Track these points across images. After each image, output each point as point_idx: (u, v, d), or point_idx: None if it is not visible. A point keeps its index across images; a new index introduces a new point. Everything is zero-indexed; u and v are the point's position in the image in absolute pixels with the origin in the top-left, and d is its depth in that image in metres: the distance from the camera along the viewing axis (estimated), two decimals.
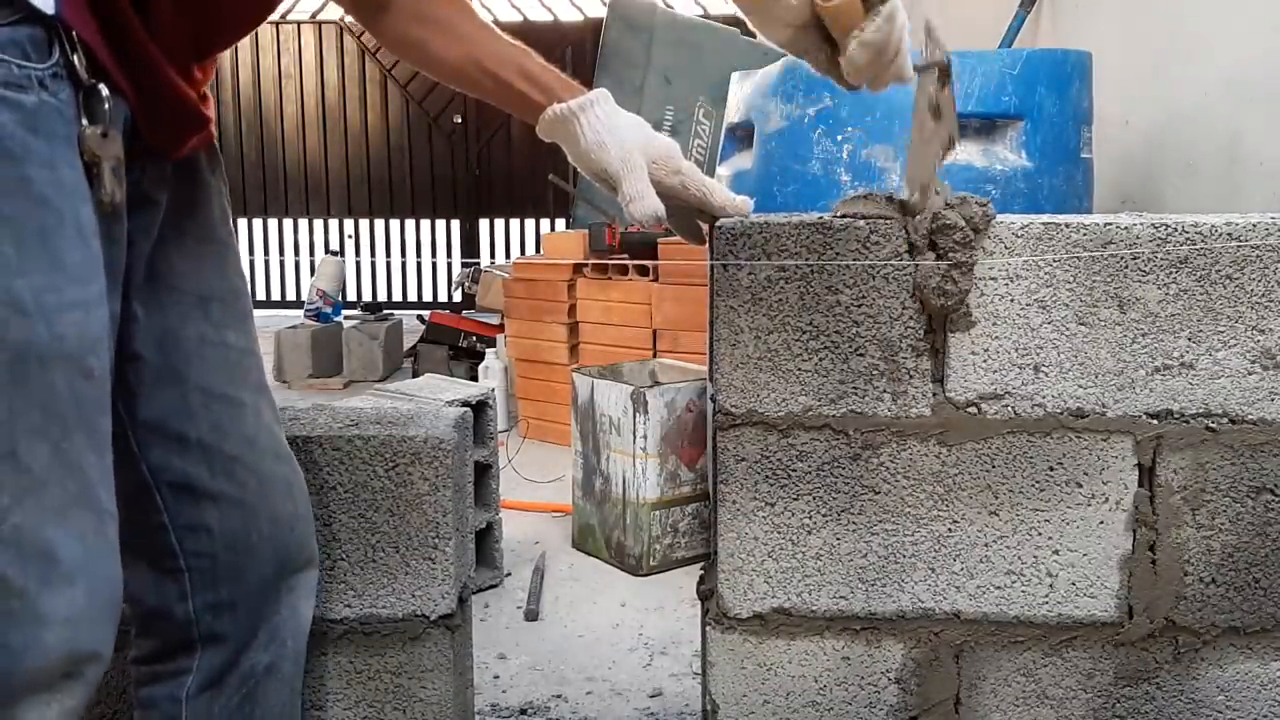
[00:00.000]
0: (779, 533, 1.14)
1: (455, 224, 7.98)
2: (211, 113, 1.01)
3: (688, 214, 1.12)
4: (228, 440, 1.02)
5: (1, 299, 0.76)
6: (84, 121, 0.81)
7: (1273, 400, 1.09)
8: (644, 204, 1.02)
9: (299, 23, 7.83)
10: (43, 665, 0.78)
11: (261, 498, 1.04)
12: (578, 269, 3.86)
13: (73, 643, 0.79)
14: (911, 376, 1.11)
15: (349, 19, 8.02)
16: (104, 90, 0.82)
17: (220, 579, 1.02)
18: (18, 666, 0.77)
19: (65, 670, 0.79)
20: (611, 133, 1.03)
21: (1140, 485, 1.11)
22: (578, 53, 6.98)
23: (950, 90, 1.09)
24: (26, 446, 0.77)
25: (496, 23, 8.08)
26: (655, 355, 3.48)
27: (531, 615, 2.29)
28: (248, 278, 1.10)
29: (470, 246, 8.00)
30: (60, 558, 0.78)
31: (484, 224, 8.19)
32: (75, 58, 0.81)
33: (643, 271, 3.66)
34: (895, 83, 1.06)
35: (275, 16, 8.06)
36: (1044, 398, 1.10)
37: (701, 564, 1.35)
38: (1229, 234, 1.07)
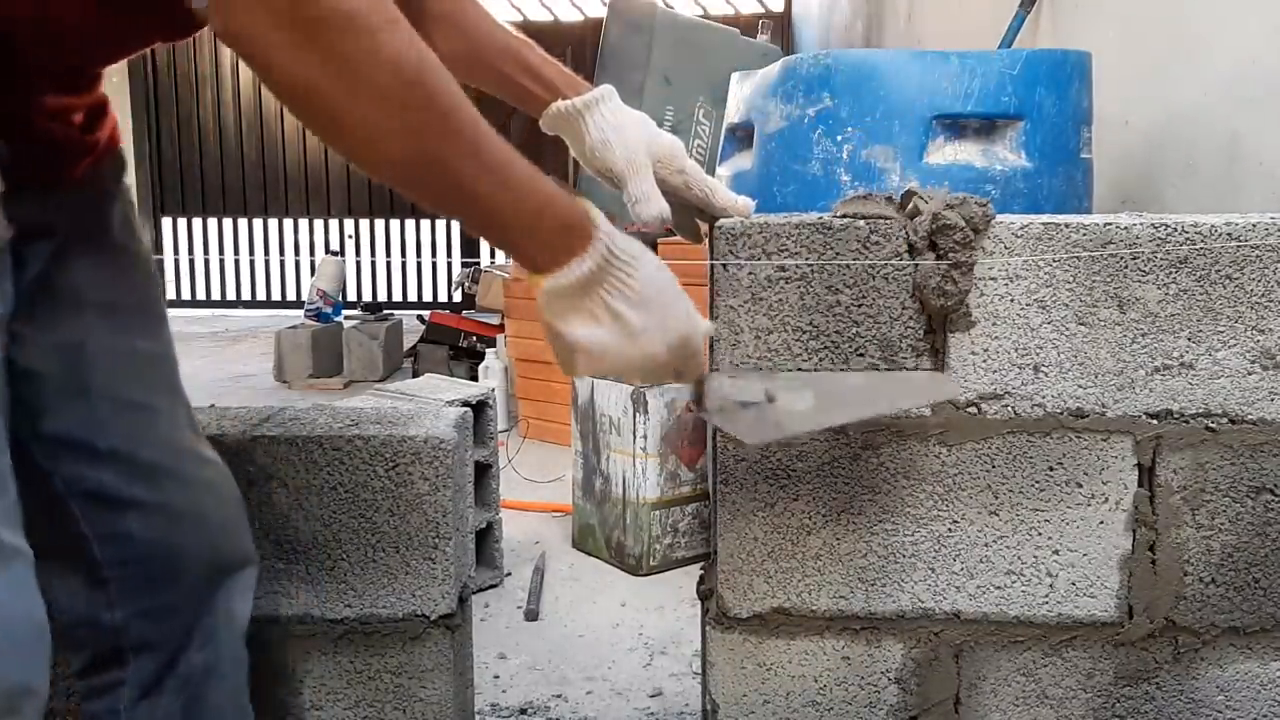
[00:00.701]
0: (779, 533, 1.14)
1: (455, 224, 7.97)
2: (108, 125, 0.99)
3: (688, 213, 1.12)
4: (143, 447, 1.00)
5: None
6: None
7: (1272, 400, 1.09)
8: (649, 205, 1.02)
9: None
10: None
11: (185, 501, 1.03)
12: None
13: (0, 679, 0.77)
14: None
15: None
16: None
17: (147, 586, 1.01)
18: None
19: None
20: (617, 131, 1.03)
21: (1140, 485, 1.11)
22: (577, 53, 6.98)
23: None
24: None
25: None
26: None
27: (531, 615, 2.29)
28: (160, 281, 1.08)
29: (470, 246, 7.99)
30: None
31: None
32: None
33: None
34: None
35: None
36: (1044, 398, 1.10)
37: (701, 564, 1.35)
38: (1229, 234, 1.07)
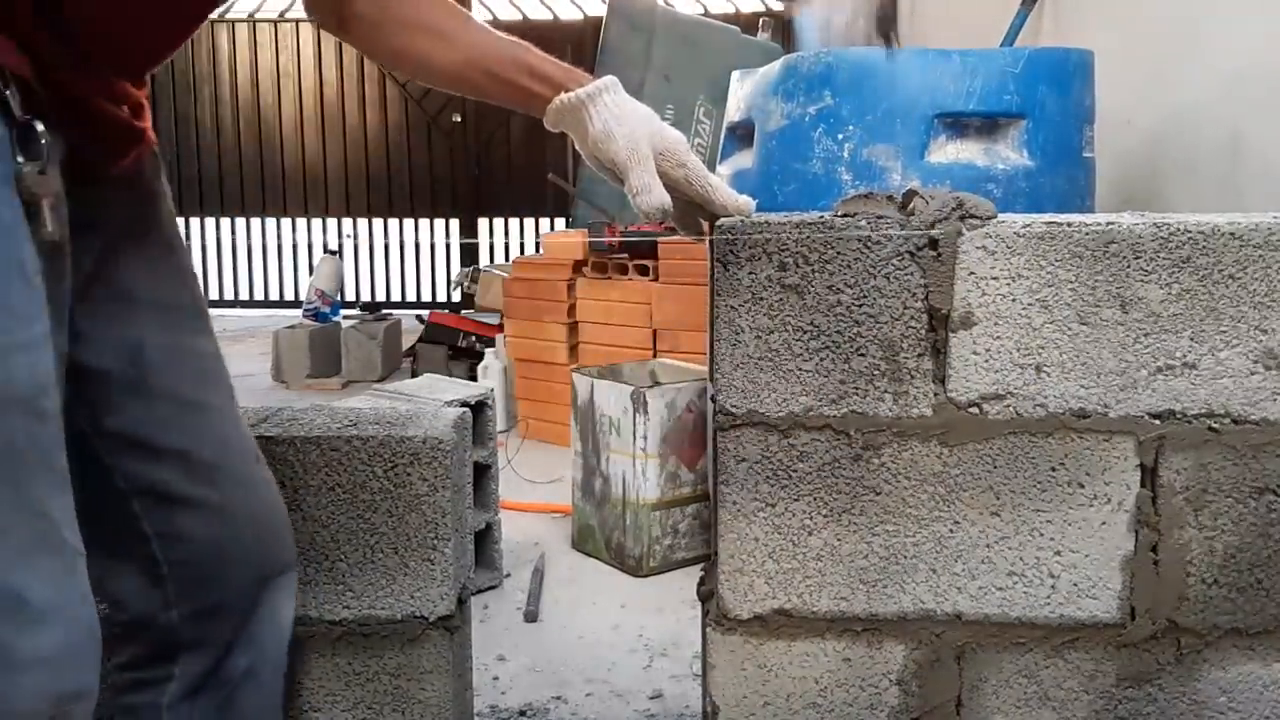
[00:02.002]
0: (779, 534, 1.13)
1: (455, 223, 7.97)
2: (148, 121, 1.00)
3: (690, 209, 1.11)
4: (201, 446, 1.01)
5: None
6: (19, 159, 0.79)
7: (1275, 400, 1.09)
8: (651, 197, 1.01)
9: (297, 21, 7.82)
10: (25, 710, 0.76)
11: (239, 502, 1.03)
12: (577, 269, 3.86)
13: (55, 684, 0.78)
14: (913, 376, 1.10)
15: None
16: (39, 127, 0.80)
17: (202, 585, 1.02)
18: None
19: (50, 713, 0.77)
20: (620, 123, 1.03)
21: (1142, 486, 1.10)
22: (578, 51, 6.97)
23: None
24: None
25: (496, 21, 8.01)
26: (655, 355, 3.47)
27: (531, 617, 2.28)
28: (203, 282, 1.09)
29: (469, 253, 7.99)
30: (30, 601, 0.76)
31: (483, 223, 8.19)
32: (9, 94, 0.79)
33: (643, 271, 3.66)
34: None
35: (273, 14, 8.05)
36: (1046, 398, 1.10)
37: (701, 565, 1.35)
38: (1231, 233, 1.07)
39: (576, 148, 1.08)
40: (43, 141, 0.81)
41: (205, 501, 1.01)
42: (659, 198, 1.01)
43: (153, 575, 1.00)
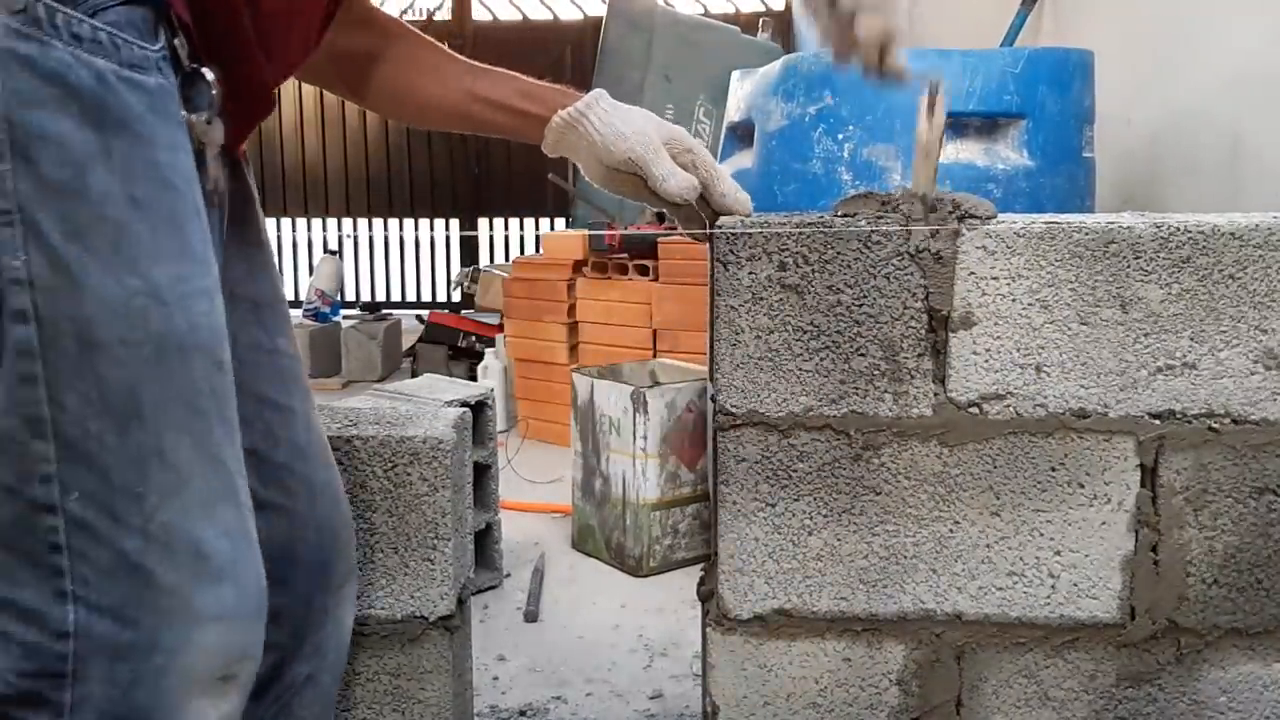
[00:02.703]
0: (779, 534, 1.13)
1: (454, 223, 7.97)
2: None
3: (691, 206, 1.11)
4: (279, 449, 1.00)
5: (141, 288, 0.74)
6: (186, 111, 0.79)
7: (1275, 400, 1.09)
8: (678, 179, 1.02)
9: None
10: (200, 665, 0.75)
11: (310, 507, 1.02)
12: (577, 269, 3.86)
13: (227, 641, 0.77)
14: (913, 376, 1.10)
15: None
16: (208, 75, 0.80)
17: (272, 587, 1.01)
18: (174, 665, 0.74)
19: (222, 672, 0.77)
20: (625, 121, 1.03)
21: (1142, 486, 1.10)
22: (577, 52, 6.98)
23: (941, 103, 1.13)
24: (172, 442, 0.75)
25: (497, 21, 8.00)
26: (655, 355, 3.47)
27: (531, 616, 2.28)
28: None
29: (469, 253, 7.98)
30: (209, 554, 0.76)
31: (483, 223, 8.19)
32: (178, 41, 0.79)
33: (643, 271, 3.66)
34: (890, 72, 1.07)
35: None
36: (1046, 398, 1.10)
37: (702, 565, 1.35)
38: (1232, 233, 1.07)
39: (580, 167, 1.09)
40: (212, 91, 0.80)
41: (274, 504, 0.99)
42: (685, 179, 1.02)
43: None
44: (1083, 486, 1.11)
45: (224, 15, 0.83)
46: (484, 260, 7.89)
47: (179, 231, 0.76)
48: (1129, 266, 1.07)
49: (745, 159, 2.07)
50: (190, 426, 0.76)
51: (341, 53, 1.08)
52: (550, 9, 7.73)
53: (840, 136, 1.83)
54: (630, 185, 1.07)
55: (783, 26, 7.50)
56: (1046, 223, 1.08)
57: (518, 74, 1.09)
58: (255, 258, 1.02)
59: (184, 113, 0.79)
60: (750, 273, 1.10)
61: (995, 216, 1.08)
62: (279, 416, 1.01)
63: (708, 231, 1.13)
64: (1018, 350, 1.09)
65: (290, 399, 1.02)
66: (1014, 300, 1.09)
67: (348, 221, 8.03)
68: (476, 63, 1.10)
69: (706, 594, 1.21)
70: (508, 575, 2.51)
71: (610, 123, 1.03)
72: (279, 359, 1.02)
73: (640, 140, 1.02)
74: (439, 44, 1.13)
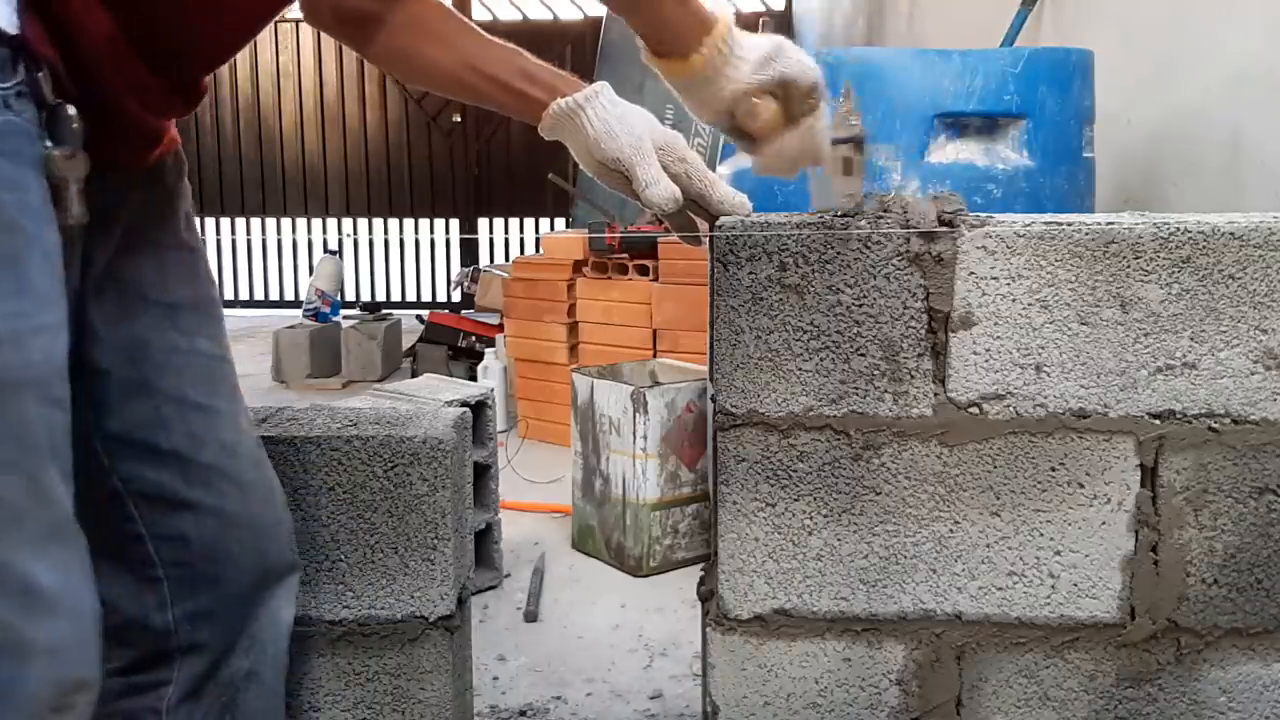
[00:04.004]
0: (779, 533, 1.13)
1: (454, 223, 7.97)
2: (172, 127, 0.99)
3: (686, 211, 1.11)
4: (204, 449, 1.00)
5: None
6: (48, 143, 0.79)
7: (1275, 400, 1.09)
8: (660, 189, 1.01)
9: (297, 21, 7.81)
10: (34, 697, 0.76)
11: (240, 506, 1.03)
12: (577, 269, 3.86)
13: (62, 674, 0.77)
14: (913, 376, 1.10)
15: None
16: (70, 110, 0.80)
17: (199, 587, 1.01)
18: (8, 698, 0.75)
19: (55, 703, 0.77)
20: (620, 121, 1.03)
21: (1142, 486, 1.10)
22: (578, 51, 6.98)
23: (863, 156, 1.13)
24: (3, 479, 0.75)
25: (496, 21, 8.00)
26: (655, 355, 3.47)
27: (531, 616, 2.28)
28: (217, 281, 1.09)
29: (469, 253, 7.98)
30: (41, 589, 0.76)
31: (483, 223, 8.19)
32: (40, 76, 0.79)
33: (643, 271, 3.66)
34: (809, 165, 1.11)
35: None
36: (1046, 398, 1.10)
37: (702, 565, 1.35)
38: (1231, 233, 1.07)
39: (574, 155, 1.08)
40: (73, 125, 0.80)
41: (203, 504, 1.00)
42: (668, 188, 1.01)
43: (147, 577, 1.00)
44: (1083, 486, 1.11)
45: (101, 42, 0.83)
46: (484, 260, 7.89)
47: (17, 270, 0.76)
48: (1129, 266, 1.07)
49: (745, 159, 2.07)
50: (22, 464, 0.76)
51: (348, 14, 1.08)
52: (550, 9, 7.73)
53: None
54: (619, 182, 1.07)
55: (783, 27, 7.50)
56: (1046, 223, 1.08)
57: (523, 51, 1.08)
58: (172, 260, 1.01)
59: (47, 146, 0.79)
60: (750, 273, 1.10)
61: (962, 209, 1.08)
62: (201, 418, 1.00)
63: (697, 234, 1.12)
64: (1018, 350, 1.09)
65: (214, 400, 1.02)
66: (1014, 300, 1.08)
67: (348, 221, 8.03)
68: (486, 35, 1.09)
69: (706, 594, 1.20)
70: (508, 575, 2.50)
71: (605, 120, 1.03)
72: (199, 360, 1.02)
73: (631, 142, 1.02)
74: (451, 9, 1.11)
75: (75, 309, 0.88)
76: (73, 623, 0.79)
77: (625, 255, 3.71)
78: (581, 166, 1.09)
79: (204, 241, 1.07)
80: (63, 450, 0.80)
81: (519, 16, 7.70)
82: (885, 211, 1.10)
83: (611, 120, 1.02)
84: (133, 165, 0.94)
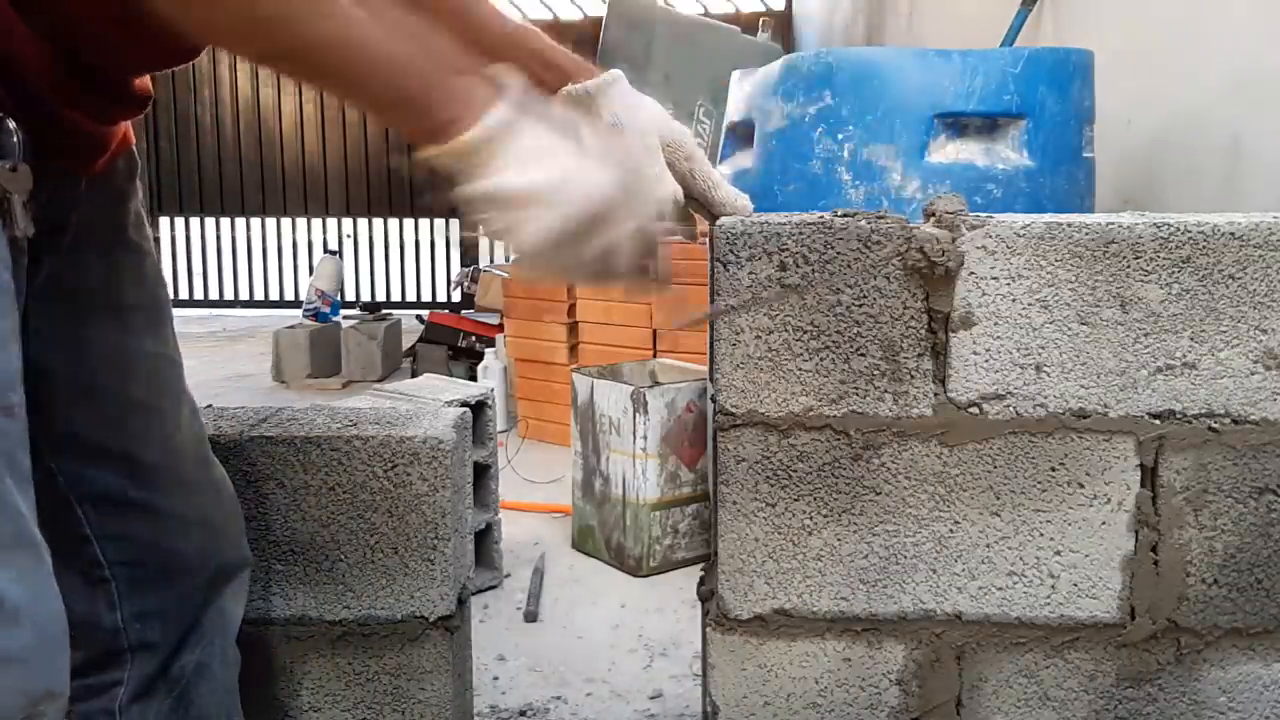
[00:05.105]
0: (779, 533, 1.13)
1: (455, 223, 7.97)
2: (122, 128, 0.98)
3: (686, 207, 1.11)
4: (148, 449, 1.00)
5: None
6: None
7: (1275, 400, 1.09)
8: (662, 187, 1.01)
9: None
10: (3, 707, 0.75)
11: (188, 505, 1.03)
12: None
13: (30, 683, 0.77)
14: (913, 376, 1.10)
15: None
16: (10, 124, 0.80)
17: (148, 587, 1.01)
18: None
19: (27, 712, 0.77)
20: (630, 113, 1.02)
21: (1142, 486, 1.10)
22: (578, 51, 6.95)
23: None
24: None
25: None
26: (655, 355, 3.47)
27: (531, 616, 2.28)
28: (166, 283, 1.08)
29: (469, 253, 7.98)
30: (6, 598, 0.75)
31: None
32: None
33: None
34: None
35: None
36: (1046, 398, 1.10)
37: (702, 565, 1.35)
38: (1231, 233, 1.07)
39: None
40: (14, 139, 0.80)
41: (150, 505, 0.99)
42: (669, 188, 1.01)
43: (95, 578, 0.99)
44: (1083, 486, 1.11)
45: (33, 60, 0.82)
46: (484, 260, 7.89)
47: None
48: (1129, 266, 1.07)
49: (745, 159, 2.07)
50: None
51: None
52: (550, 9, 7.74)
53: (840, 136, 1.83)
54: None
55: (783, 26, 7.50)
56: (1046, 223, 1.08)
57: (539, 33, 1.07)
58: (120, 262, 1.01)
59: None
60: (750, 273, 1.10)
61: (963, 210, 1.08)
62: (147, 418, 1.00)
63: (693, 231, 1.12)
64: (1018, 350, 1.09)
65: (159, 400, 1.02)
66: (1014, 300, 1.08)
67: (348, 221, 8.03)
68: (505, 15, 1.08)
69: (706, 594, 1.20)
70: (508, 575, 2.50)
71: (615, 113, 1.02)
72: (145, 361, 1.01)
73: (638, 139, 1.02)
74: None
75: (22, 311, 0.87)
76: (39, 633, 0.78)
77: None
78: None
79: (155, 241, 1.06)
80: (20, 460, 0.79)
81: (518, 16, 7.71)
82: (883, 217, 1.10)
83: (621, 114, 1.02)
84: (82, 172, 0.93)
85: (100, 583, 1.00)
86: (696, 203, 1.10)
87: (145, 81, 0.97)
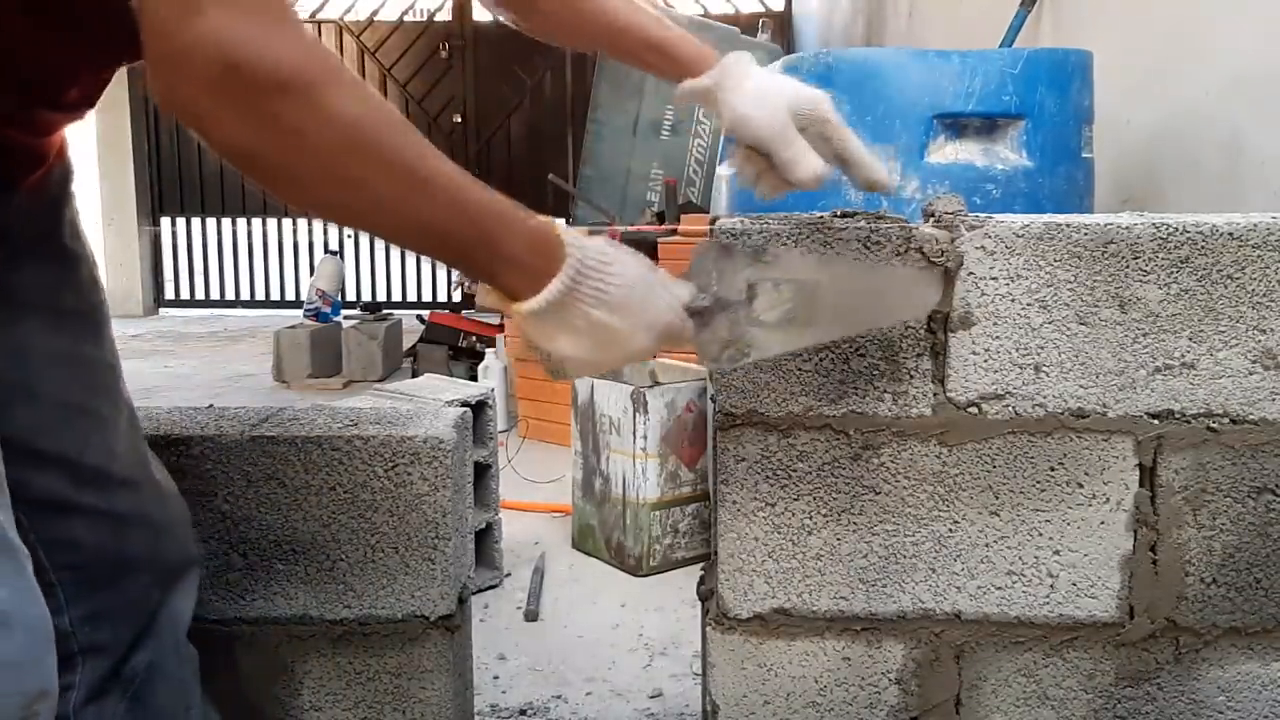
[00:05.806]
0: (779, 533, 1.13)
1: None
2: (57, 142, 0.98)
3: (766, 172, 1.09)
4: (88, 452, 0.99)
5: None
6: None
7: (1274, 400, 1.09)
8: (801, 169, 0.99)
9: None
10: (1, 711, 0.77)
11: (131, 506, 1.02)
12: None
13: (23, 685, 0.78)
14: (912, 376, 1.10)
15: (348, 18, 8.02)
16: None
17: (95, 590, 1.01)
18: None
19: (22, 714, 0.78)
20: (756, 100, 1.01)
21: (1141, 485, 1.11)
22: (578, 51, 6.97)
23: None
24: None
25: (497, 22, 8.04)
26: (655, 355, 3.47)
27: (531, 616, 2.28)
28: (104, 287, 1.08)
29: None
30: None
31: None
32: None
33: None
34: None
35: None
36: (1045, 398, 1.10)
37: (702, 564, 1.35)
38: (1230, 233, 1.07)
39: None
40: None
41: (92, 508, 0.99)
42: (810, 167, 0.99)
43: (42, 583, 0.99)
44: (1081, 486, 1.11)
45: None
46: None
47: None
48: (1128, 266, 1.08)
49: None
50: None
51: None
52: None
53: None
54: (760, 164, 1.04)
55: (782, 27, 7.50)
56: (1045, 223, 1.08)
57: (660, 18, 1.07)
58: (62, 267, 1.01)
59: None
60: None
61: (962, 210, 1.08)
62: (86, 422, 1.00)
63: (781, 193, 1.08)
64: (1017, 350, 1.10)
65: (98, 404, 1.02)
66: (1013, 300, 1.09)
67: None
68: (620, 4, 1.08)
69: (706, 593, 1.21)
70: (508, 575, 2.51)
71: (734, 105, 1.00)
72: (84, 365, 1.01)
73: (767, 124, 0.99)
74: None
75: None
76: (28, 635, 0.79)
77: None
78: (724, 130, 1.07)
79: (90, 247, 1.05)
80: None
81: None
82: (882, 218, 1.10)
83: (747, 101, 1.00)
84: (19, 185, 0.93)
85: (46, 587, 0.99)
86: (842, 163, 1.06)
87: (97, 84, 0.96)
